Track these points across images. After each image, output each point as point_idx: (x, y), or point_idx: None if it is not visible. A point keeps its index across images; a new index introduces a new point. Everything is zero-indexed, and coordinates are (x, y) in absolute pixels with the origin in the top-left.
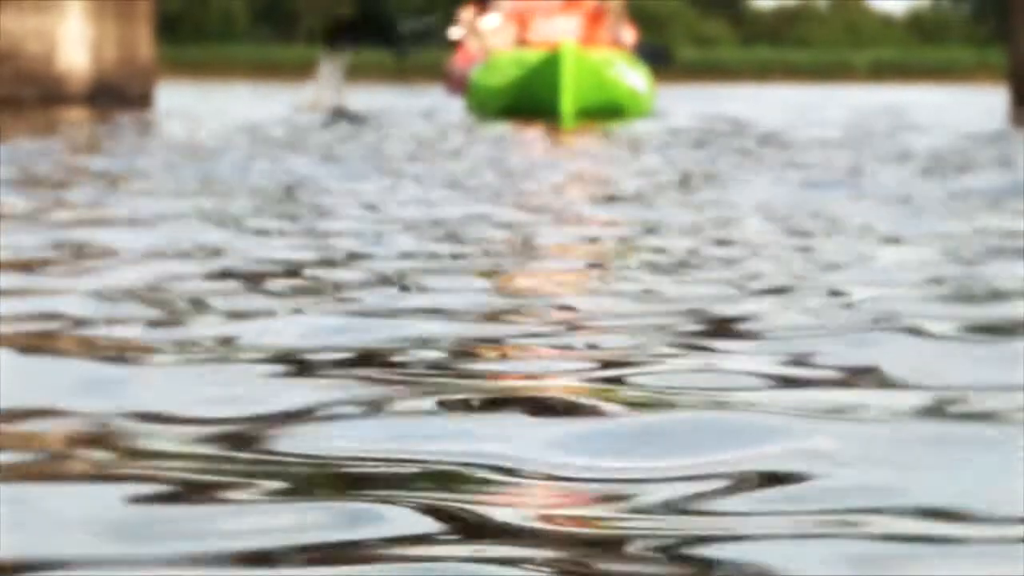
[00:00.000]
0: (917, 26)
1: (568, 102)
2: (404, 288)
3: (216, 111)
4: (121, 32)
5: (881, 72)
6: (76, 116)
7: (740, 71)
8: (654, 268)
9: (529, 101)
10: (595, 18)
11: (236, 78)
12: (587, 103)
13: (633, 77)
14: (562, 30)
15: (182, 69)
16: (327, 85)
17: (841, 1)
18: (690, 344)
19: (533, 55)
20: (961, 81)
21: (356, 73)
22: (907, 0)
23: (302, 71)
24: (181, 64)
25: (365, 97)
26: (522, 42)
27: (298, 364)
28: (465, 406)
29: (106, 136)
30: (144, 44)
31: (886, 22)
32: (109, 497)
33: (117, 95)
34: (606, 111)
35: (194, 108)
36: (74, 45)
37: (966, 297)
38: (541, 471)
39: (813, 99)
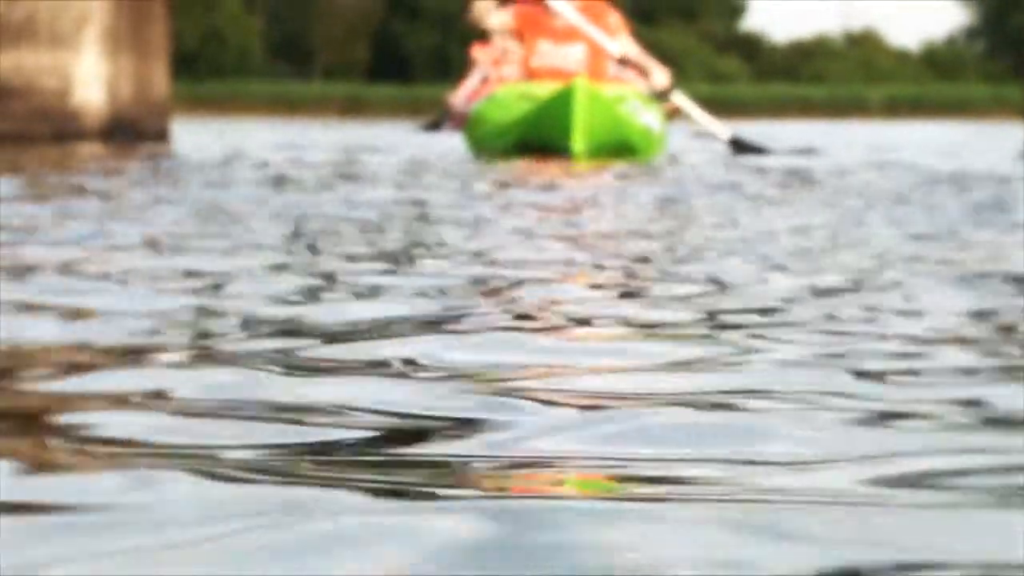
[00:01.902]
0: (932, 62)
1: (580, 141)
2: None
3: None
4: (137, 68)
5: (896, 108)
6: (94, 151)
7: (755, 107)
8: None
9: (538, 138)
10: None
11: (253, 114)
12: (599, 142)
13: (646, 115)
14: (570, 59)
15: (199, 105)
16: None
17: (856, 37)
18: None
19: (541, 89)
20: (977, 117)
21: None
22: (922, 36)
23: (318, 107)
24: (198, 100)
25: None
26: (528, 72)
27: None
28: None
29: (168, 172)
30: (160, 80)
31: (901, 58)
32: None
33: (132, 131)
34: (618, 150)
35: (217, 143)
36: (89, 81)
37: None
38: None
39: (828, 135)
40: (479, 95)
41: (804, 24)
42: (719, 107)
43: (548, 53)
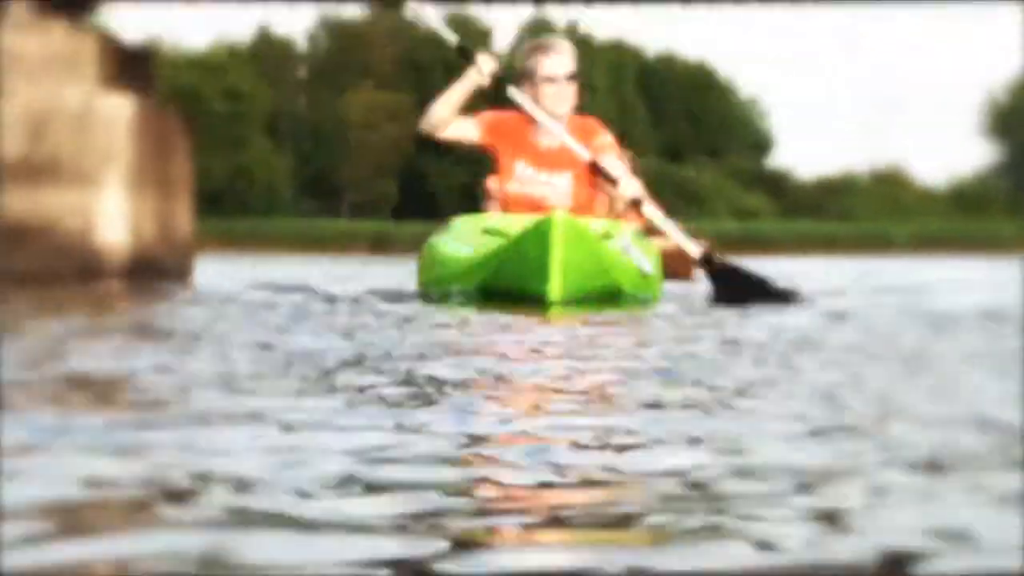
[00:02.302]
0: (959, 199)
1: (557, 286)
2: None
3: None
4: (160, 207)
5: (923, 244)
6: (115, 289)
7: (781, 243)
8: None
9: (507, 282)
10: (592, 175)
11: (280, 251)
12: (581, 287)
13: (638, 254)
14: (553, 189)
15: (226, 242)
16: None
17: (882, 174)
18: None
19: (509, 222)
20: (1006, 253)
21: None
22: (949, 173)
23: (346, 244)
24: (225, 237)
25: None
26: (502, 199)
27: None
28: None
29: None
30: (183, 218)
31: (928, 195)
32: None
33: (155, 270)
34: (604, 295)
35: (242, 279)
36: (112, 220)
37: None
38: None
39: (855, 272)
40: None
41: (830, 161)
42: (745, 243)
43: (527, 179)
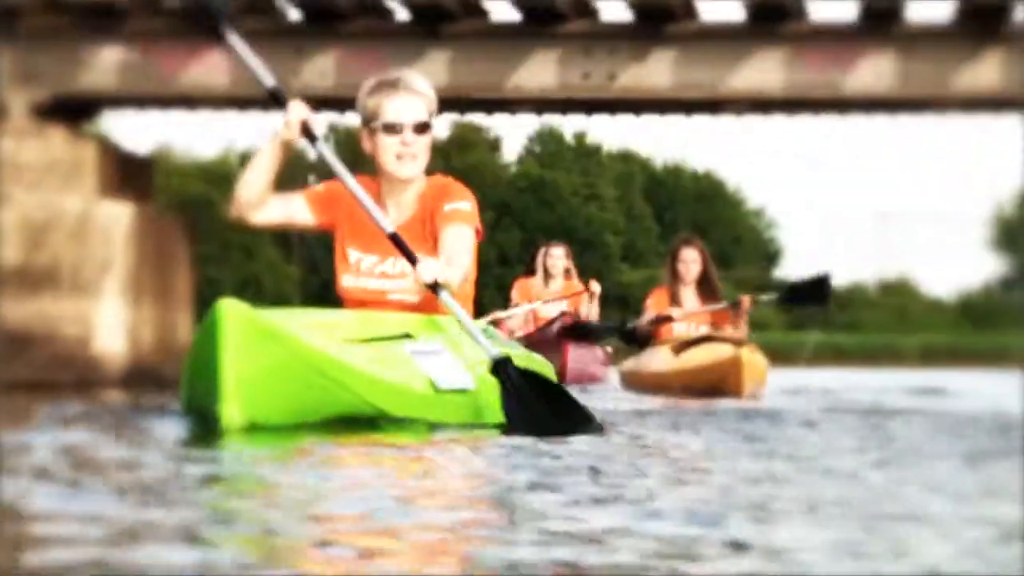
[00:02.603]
0: (968, 311)
1: (233, 404)
2: None
3: None
4: (159, 316)
5: (931, 356)
6: (116, 399)
7: (788, 354)
8: None
9: (196, 401)
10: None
11: None
12: (286, 405)
13: (444, 363)
14: (398, 282)
15: None
16: None
17: (891, 286)
18: None
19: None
20: (1014, 366)
21: None
22: (957, 285)
23: None
24: None
25: None
26: (339, 294)
27: None
28: None
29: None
30: (184, 327)
31: (936, 307)
32: None
33: (153, 378)
34: (343, 415)
35: None
36: (110, 329)
37: None
38: None
39: (860, 384)
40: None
41: (839, 272)
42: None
43: (366, 268)
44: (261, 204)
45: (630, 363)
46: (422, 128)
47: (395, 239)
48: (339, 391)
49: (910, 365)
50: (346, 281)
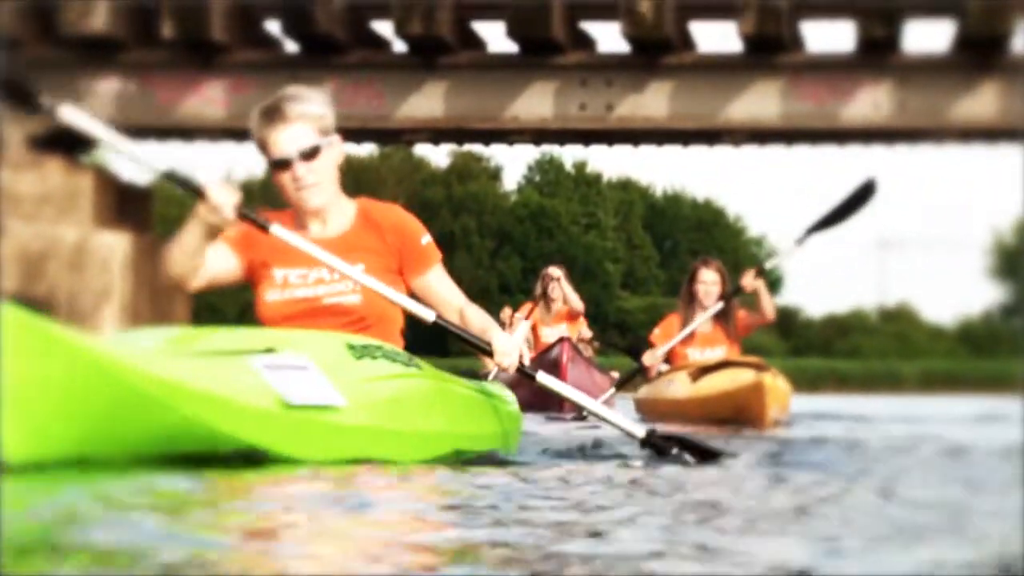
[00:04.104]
0: (968, 338)
1: (11, 436)
2: None
3: None
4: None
5: (931, 383)
6: None
7: (790, 381)
8: None
9: None
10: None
11: None
12: (70, 432)
13: (308, 379)
14: (332, 286)
15: None
16: None
17: (891, 312)
18: None
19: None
20: (1014, 392)
21: None
22: (957, 312)
23: None
24: None
25: None
26: (262, 316)
27: None
28: None
29: None
30: None
31: (936, 334)
32: None
33: None
34: (161, 440)
35: None
36: None
37: None
38: None
39: (861, 411)
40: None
41: (839, 299)
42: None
43: (293, 281)
44: (195, 273)
45: (645, 390)
46: (310, 155)
47: (437, 323)
48: (155, 411)
49: (910, 391)
50: (270, 296)
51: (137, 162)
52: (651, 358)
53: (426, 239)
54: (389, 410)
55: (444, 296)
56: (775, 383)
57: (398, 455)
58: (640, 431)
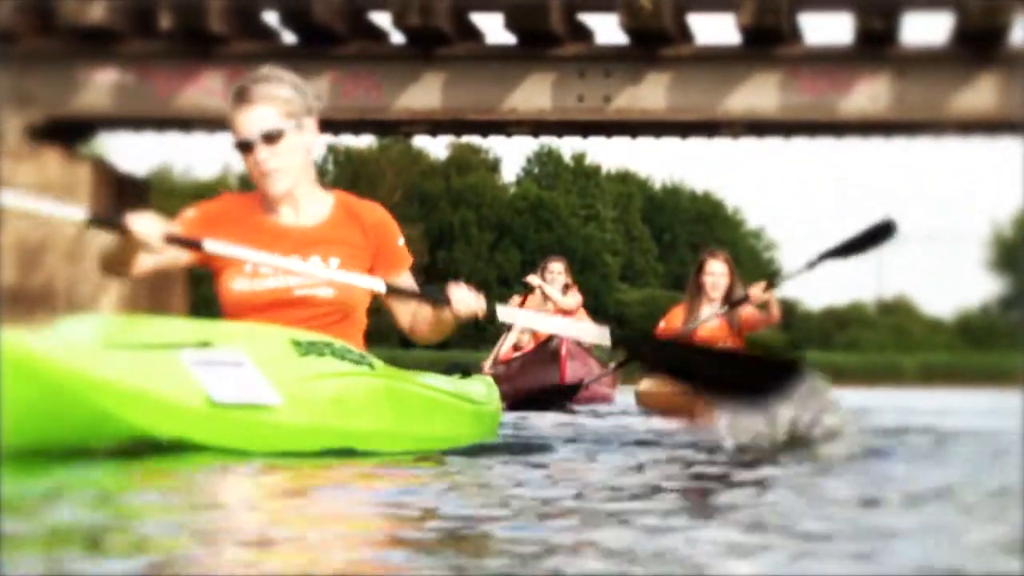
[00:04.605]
0: (967, 331)
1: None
2: None
3: None
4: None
5: (930, 376)
6: None
7: None
8: None
9: None
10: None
11: None
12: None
13: (239, 375)
14: (303, 278)
15: None
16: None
17: (890, 305)
18: None
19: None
20: (1013, 385)
21: None
22: (956, 305)
23: None
24: None
25: None
26: (227, 306)
27: None
28: None
29: None
30: None
31: (935, 326)
32: None
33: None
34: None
35: None
36: None
37: None
38: None
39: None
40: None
41: (838, 292)
42: None
43: (261, 272)
44: (130, 267)
45: (647, 382)
46: (272, 138)
47: (391, 289)
48: (79, 406)
49: (909, 385)
50: (238, 285)
51: (58, 214)
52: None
53: (401, 241)
54: (332, 409)
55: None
56: None
57: (343, 454)
58: (605, 335)
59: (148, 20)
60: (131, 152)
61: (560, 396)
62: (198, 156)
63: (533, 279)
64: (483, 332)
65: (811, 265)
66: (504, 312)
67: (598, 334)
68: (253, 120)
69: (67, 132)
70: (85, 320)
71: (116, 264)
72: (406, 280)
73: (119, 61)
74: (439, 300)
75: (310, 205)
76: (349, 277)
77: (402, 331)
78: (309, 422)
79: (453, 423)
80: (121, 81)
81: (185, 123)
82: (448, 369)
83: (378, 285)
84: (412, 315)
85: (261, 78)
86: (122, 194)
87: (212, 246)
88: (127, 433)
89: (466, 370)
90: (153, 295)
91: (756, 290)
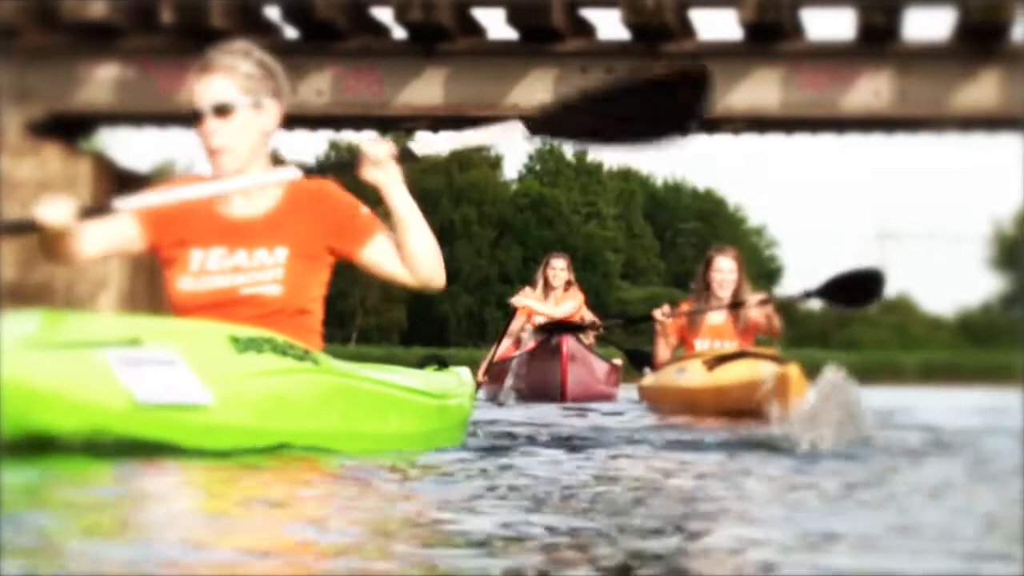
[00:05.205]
0: (968, 329)
1: None
2: None
3: None
4: None
5: (931, 374)
6: None
7: None
8: None
9: None
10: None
11: None
12: None
13: (160, 372)
14: (252, 275)
15: None
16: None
17: (890, 303)
18: None
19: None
20: (1014, 384)
21: None
22: (957, 303)
23: None
24: None
25: None
26: (173, 304)
27: None
28: None
29: None
30: None
31: (936, 325)
32: None
33: None
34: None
35: None
36: None
37: None
38: None
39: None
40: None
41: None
42: None
43: (210, 269)
44: (69, 252)
45: (651, 378)
46: (222, 111)
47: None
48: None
49: (909, 383)
50: (183, 284)
51: None
52: (662, 315)
53: (365, 209)
54: (270, 408)
55: (393, 260)
56: (799, 375)
57: (281, 455)
58: (517, 130)
59: (149, 15)
60: (132, 148)
61: (562, 393)
62: (200, 152)
63: (518, 300)
64: (482, 329)
65: (797, 300)
66: (418, 146)
67: (513, 131)
68: (207, 90)
69: (68, 128)
70: (21, 318)
71: (47, 252)
72: (383, 245)
73: (120, 56)
74: (350, 163)
75: (260, 193)
76: (255, 180)
77: (409, 289)
78: (244, 422)
79: (410, 421)
80: (122, 76)
81: (186, 119)
82: (421, 362)
83: (290, 173)
84: (396, 258)
85: (225, 48)
86: (123, 190)
87: (123, 204)
88: (41, 434)
89: (442, 362)
90: (153, 292)
91: (753, 301)
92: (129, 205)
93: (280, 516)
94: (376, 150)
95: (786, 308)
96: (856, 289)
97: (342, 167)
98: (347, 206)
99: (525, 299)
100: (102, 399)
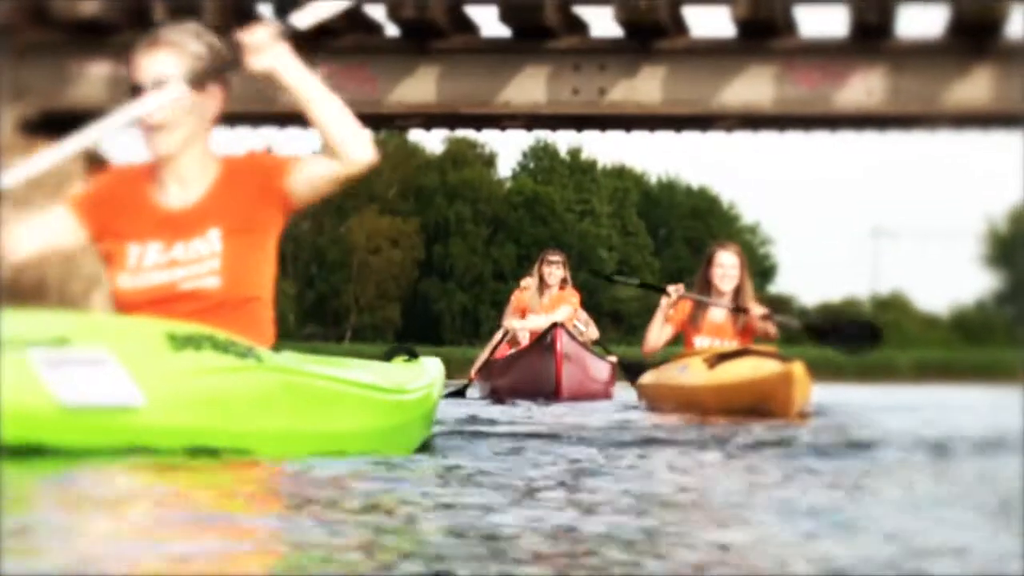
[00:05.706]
0: (962, 327)
1: None
2: None
3: None
4: None
5: (925, 372)
6: None
7: None
8: None
9: None
10: None
11: None
12: None
13: (90, 373)
14: (190, 268)
15: None
16: None
17: (885, 301)
18: None
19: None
20: (1008, 381)
21: None
22: (951, 301)
23: None
24: None
25: None
26: (116, 302)
27: None
28: None
29: None
30: None
31: (930, 322)
32: None
33: None
34: None
35: None
36: None
37: None
38: None
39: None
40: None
41: (832, 287)
42: None
43: (147, 264)
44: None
45: (651, 376)
46: (163, 86)
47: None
48: None
49: (904, 381)
50: (123, 282)
51: None
52: (675, 291)
53: (281, 154)
54: (209, 408)
55: (319, 163)
56: (803, 373)
57: (220, 456)
58: (335, 106)
59: (142, 13)
60: (125, 145)
61: (557, 390)
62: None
63: (509, 324)
64: (477, 326)
65: (793, 327)
66: (299, 18)
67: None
68: (151, 64)
69: (61, 125)
70: None
71: None
72: (306, 161)
73: (113, 54)
74: (232, 60)
75: (197, 179)
76: (160, 98)
77: (348, 178)
78: (179, 423)
79: (365, 418)
80: (115, 74)
81: None
82: (388, 353)
83: (175, 91)
84: (323, 160)
85: (174, 25)
86: None
87: (7, 178)
88: None
89: (412, 352)
90: None
91: (756, 311)
92: (12, 179)
93: (206, 521)
94: (254, 36)
95: (779, 307)
96: (855, 338)
97: (224, 67)
98: (265, 164)
99: (516, 322)
100: (23, 401)
